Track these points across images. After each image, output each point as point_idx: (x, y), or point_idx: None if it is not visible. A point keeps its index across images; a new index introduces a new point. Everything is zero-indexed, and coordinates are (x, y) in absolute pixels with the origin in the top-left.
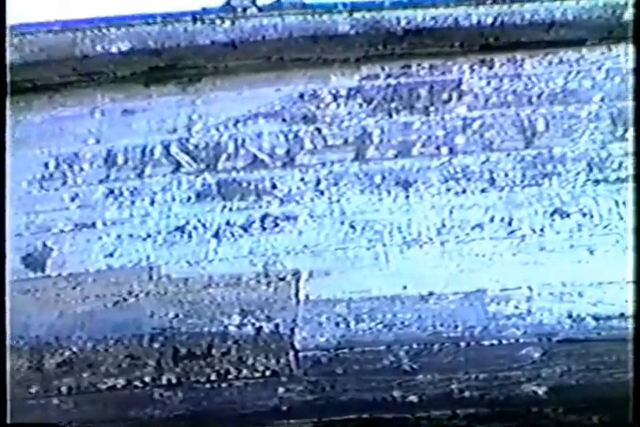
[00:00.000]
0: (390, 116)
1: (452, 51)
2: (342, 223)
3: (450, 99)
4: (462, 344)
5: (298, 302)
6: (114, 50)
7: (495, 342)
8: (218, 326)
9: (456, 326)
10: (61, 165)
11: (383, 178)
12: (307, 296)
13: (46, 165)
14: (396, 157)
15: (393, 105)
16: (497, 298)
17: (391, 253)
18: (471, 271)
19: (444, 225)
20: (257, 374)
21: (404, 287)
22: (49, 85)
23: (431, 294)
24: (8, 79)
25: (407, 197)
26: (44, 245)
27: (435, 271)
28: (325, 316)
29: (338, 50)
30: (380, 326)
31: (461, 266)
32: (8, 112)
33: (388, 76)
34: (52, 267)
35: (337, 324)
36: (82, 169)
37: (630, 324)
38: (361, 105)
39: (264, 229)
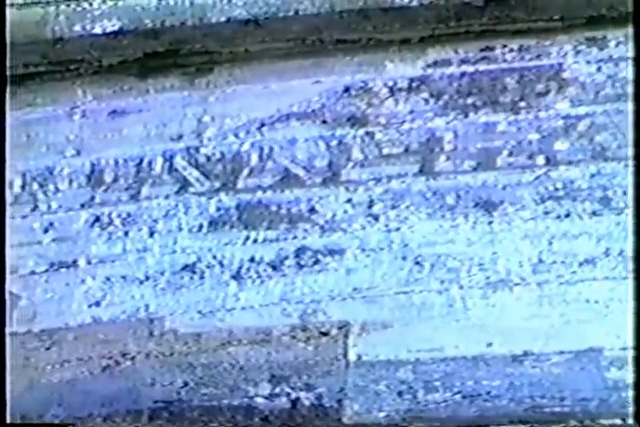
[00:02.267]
0: (466, 115)
1: (548, 26)
2: (404, 259)
3: (547, 91)
4: (572, 423)
5: (347, 364)
6: (97, 30)
7: (618, 421)
8: (241, 397)
9: (562, 398)
10: (31, 184)
11: (458, 198)
12: (359, 357)
13: (10, 185)
14: (474, 169)
15: (470, 100)
16: (617, 360)
17: (471, 298)
18: (581, 323)
19: (541, 260)
20: None
21: (489, 345)
22: (11, 78)
23: (526, 353)
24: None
25: (490, 222)
26: (9, 291)
27: (530, 323)
28: (384, 383)
29: (395, 27)
30: (457, 397)
31: (567, 316)
32: None
33: (463, 61)
34: (20, 321)
35: (399, 394)
36: (57, 189)
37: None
38: (427, 101)
39: (300, 266)
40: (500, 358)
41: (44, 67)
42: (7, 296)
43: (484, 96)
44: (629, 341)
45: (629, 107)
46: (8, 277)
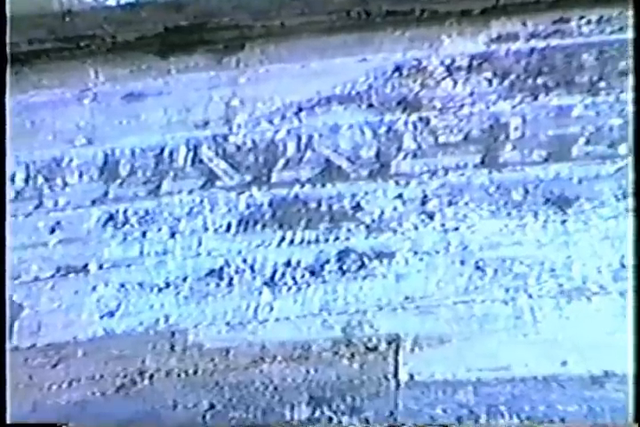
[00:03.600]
0: (536, 97)
1: None
2: (463, 263)
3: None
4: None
5: (398, 384)
6: (111, 1)
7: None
8: (276, 421)
9: None
10: (35, 177)
11: (526, 193)
12: (411, 376)
13: (12, 179)
14: (545, 160)
15: (540, 81)
16: None
17: (541, 309)
18: None
19: (623, 266)
20: None
21: (564, 363)
22: (15, 57)
23: (607, 374)
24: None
25: (564, 222)
26: (11, 300)
27: (611, 339)
28: (441, 407)
29: None
30: (526, 424)
31: None
32: None
33: (533, 35)
34: (22, 334)
35: (459, 419)
36: (66, 184)
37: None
38: (490, 82)
39: (343, 272)
40: (576, 379)
41: (52, 43)
42: (7, 305)
43: (557, 75)
44: None
45: None
46: (9, 283)
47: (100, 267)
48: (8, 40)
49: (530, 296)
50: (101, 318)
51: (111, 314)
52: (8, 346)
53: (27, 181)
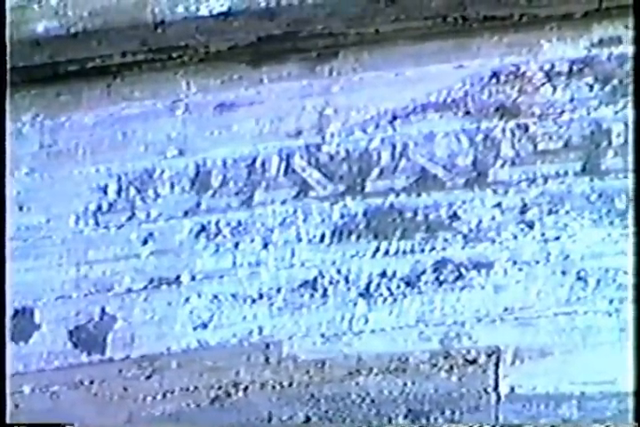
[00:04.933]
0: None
1: None
2: (564, 273)
3: None
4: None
5: (499, 398)
6: (203, 11)
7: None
8: None
9: None
10: (127, 189)
11: (629, 201)
12: (512, 389)
13: (104, 190)
14: None
15: None
16: None
17: None
18: None
19: None
20: None
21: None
22: (106, 68)
23: None
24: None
25: None
26: (103, 311)
27: None
28: (543, 421)
29: (554, 0)
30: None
31: None
32: (35, 112)
33: (637, 39)
34: (116, 346)
35: None
36: (158, 195)
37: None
38: (592, 87)
39: (440, 283)
40: None
41: (144, 55)
42: (102, 317)
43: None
44: None
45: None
46: (102, 295)
47: (193, 278)
48: (101, 53)
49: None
50: (194, 329)
51: (204, 326)
52: (101, 358)
53: (119, 192)
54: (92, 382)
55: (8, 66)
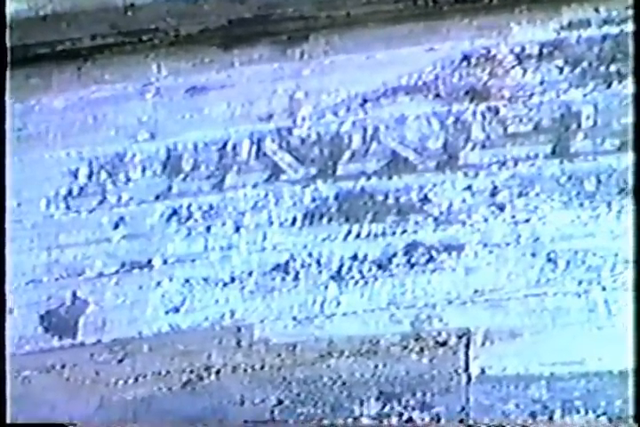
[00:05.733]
0: (609, 85)
1: None
2: (534, 255)
3: None
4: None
5: (469, 379)
6: None
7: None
8: (345, 417)
9: None
10: (98, 173)
11: (599, 183)
12: (482, 370)
13: (75, 174)
14: (618, 149)
15: (613, 68)
16: None
17: (616, 302)
18: None
19: None
20: None
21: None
22: (76, 51)
23: None
24: (8, 44)
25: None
26: (75, 296)
27: None
28: (513, 402)
29: None
30: (603, 420)
31: None
32: (9, 95)
33: (606, 22)
34: (87, 330)
35: (532, 415)
36: (129, 179)
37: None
38: (561, 70)
39: (412, 265)
40: None
41: (114, 38)
42: (73, 301)
43: (631, 63)
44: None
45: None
46: (73, 279)
47: (165, 262)
48: (71, 36)
49: (603, 289)
50: (166, 313)
51: (176, 309)
52: (73, 342)
53: (90, 176)
54: (63, 367)
55: None
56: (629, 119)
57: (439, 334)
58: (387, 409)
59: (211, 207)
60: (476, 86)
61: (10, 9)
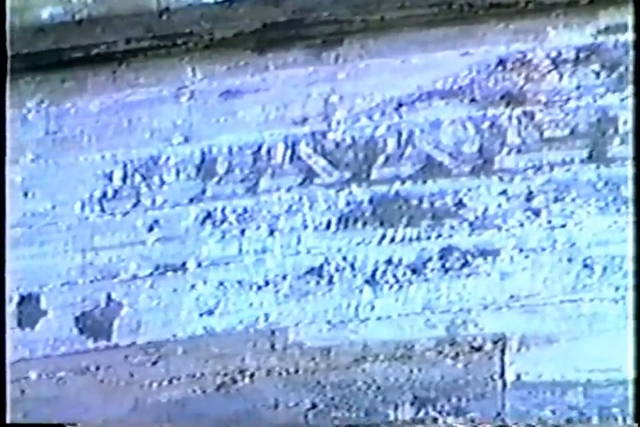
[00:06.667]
0: None
1: None
2: (571, 261)
3: None
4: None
5: (504, 385)
6: None
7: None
8: (379, 421)
9: None
10: (133, 176)
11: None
12: (518, 376)
13: (109, 177)
14: None
15: None
16: None
17: None
18: None
19: None
20: None
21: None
22: (110, 55)
23: None
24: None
25: None
26: (109, 298)
27: None
28: (549, 408)
29: None
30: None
31: None
32: (40, 98)
33: None
34: (122, 332)
35: (569, 421)
36: (163, 182)
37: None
38: (598, 74)
39: (446, 270)
40: None
41: (148, 42)
42: (108, 303)
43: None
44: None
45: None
46: (108, 281)
47: (199, 265)
48: (106, 39)
49: None
50: (200, 316)
51: (210, 312)
52: (107, 344)
53: (124, 179)
54: (98, 369)
55: (11, 53)
56: None
57: (474, 339)
58: (421, 414)
59: (245, 211)
60: (512, 91)
61: (45, 13)
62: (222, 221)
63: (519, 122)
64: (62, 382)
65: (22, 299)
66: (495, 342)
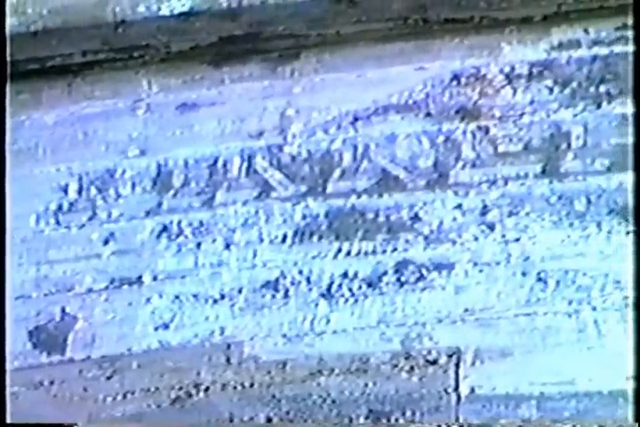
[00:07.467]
0: (598, 106)
1: None
2: (524, 274)
3: None
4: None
5: (459, 398)
6: (165, 11)
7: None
8: None
9: None
10: (88, 189)
11: (589, 203)
12: (472, 389)
13: (65, 190)
14: (608, 170)
15: (602, 89)
16: None
17: (605, 322)
18: None
19: None
20: None
21: (635, 378)
22: (67, 67)
23: None
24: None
25: (629, 233)
26: (64, 311)
27: None
28: (503, 421)
29: (514, 4)
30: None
31: None
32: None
33: (595, 43)
34: (76, 346)
35: None
36: (119, 195)
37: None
38: (551, 90)
39: (402, 284)
40: None
41: (105, 54)
42: (62, 317)
43: (620, 83)
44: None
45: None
46: (62, 295)
47: (155, 278)
48: (62, 51)
49: (594, 309)
50: (156, 329)
51: (166, 326)
52: (61, 358)
53: (80, 192)
54: (52, 383)
55: None
56: (628, 139)
57: (429, 352)
58: None
59: (201, 224)
60: (467, 105)
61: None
62: (178, 235)
63: (474, 136)
64: (15, 397)
65: None
66: (450, 356)
